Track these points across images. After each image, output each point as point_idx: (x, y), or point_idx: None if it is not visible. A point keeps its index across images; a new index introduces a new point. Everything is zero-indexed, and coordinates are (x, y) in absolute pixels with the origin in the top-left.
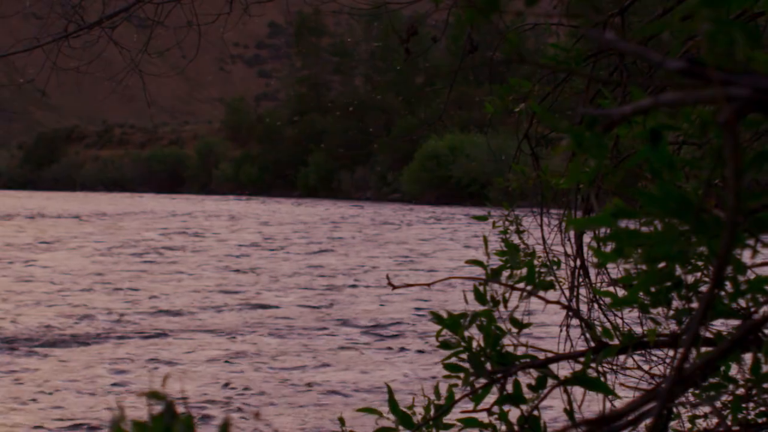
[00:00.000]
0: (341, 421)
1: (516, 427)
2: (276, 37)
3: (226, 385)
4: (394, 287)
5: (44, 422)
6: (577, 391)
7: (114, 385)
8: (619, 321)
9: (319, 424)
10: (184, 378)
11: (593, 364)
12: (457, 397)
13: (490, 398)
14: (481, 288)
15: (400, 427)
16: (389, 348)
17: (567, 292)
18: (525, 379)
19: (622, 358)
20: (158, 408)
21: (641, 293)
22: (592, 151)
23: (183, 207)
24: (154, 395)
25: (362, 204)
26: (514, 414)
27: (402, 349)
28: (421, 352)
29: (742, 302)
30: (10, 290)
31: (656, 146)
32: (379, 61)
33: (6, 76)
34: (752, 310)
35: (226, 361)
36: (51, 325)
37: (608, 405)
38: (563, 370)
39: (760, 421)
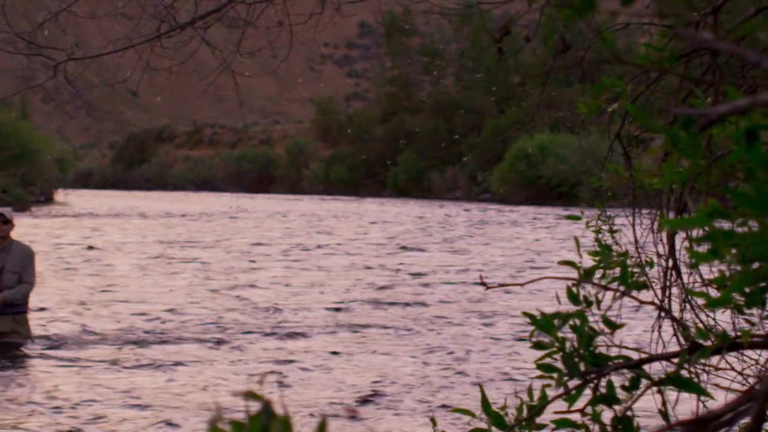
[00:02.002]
0: (433, 421)
1: (609, 428)
2: (366, 37)
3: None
4: (488, 287)
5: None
6: (671, 391)
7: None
8: (711, 321)
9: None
10: (357, 370)
11: (686, 365)
12: (550, 397)
13: (584, 399)
14: (574, 288)
15: (493, 428)
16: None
17: (659, 293)
18: (618, 379)
19: (713, 359)
20: (269, 408)
21: (735, 294)
22: (687, 151)
23: (298, 207)
24: (250, 395)
25: (456, 204)
26: (607, 415)
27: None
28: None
29: None
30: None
31: (752, 146)
32: (469, 60)
33: (97, 76)
34: None
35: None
36: (241, 320)
37: (701, 406)
38: (656, 370)
39: None
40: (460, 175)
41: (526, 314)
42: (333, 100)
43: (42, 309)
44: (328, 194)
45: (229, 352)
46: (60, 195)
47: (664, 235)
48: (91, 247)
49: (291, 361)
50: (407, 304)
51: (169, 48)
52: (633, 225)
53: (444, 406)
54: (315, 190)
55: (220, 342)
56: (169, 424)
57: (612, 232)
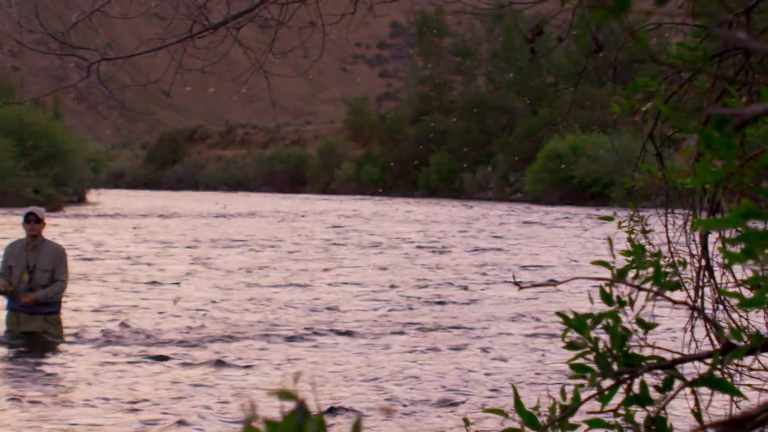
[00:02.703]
0: (465, 421)
1: (642, 429)
2: (398, 37)
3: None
4: (521, 287)
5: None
6: (704, 392)
7: (333, 369)
8: (744, 322)
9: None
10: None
11: (719, 366)
12: (583, 398)
13: (617, 399)
14: (607, 288)
15: (526, 428)
16: None
17: (692, 293)
18: (652, 380)
19: (747, 359)
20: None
21: None
22: (721, 151)
23: (335, 207)
24: (284, 394)
25: (488, 204)
26: (640, 415)
27: None
28: None
29: None
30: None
31: None
32: (501, 60)
33: (129, 76)
34: None
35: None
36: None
37: (734, 407)
38: (689, 371)
39: None
40: (492, 175)
41: (559, 314)
42: (365, 100)
43: (78, 309)
44: (359, 194)
45: (266, 352)
46: (92, 195)
47: (697, 235)
48: (127, 249)
49: (326, 360)
50: (442, 303)
51: (202, 48)
52: (666, 225)
53: (477, 406)
54: (346, 190)
55: (261, 340)
56: (205, 422)
57: (645, 232)
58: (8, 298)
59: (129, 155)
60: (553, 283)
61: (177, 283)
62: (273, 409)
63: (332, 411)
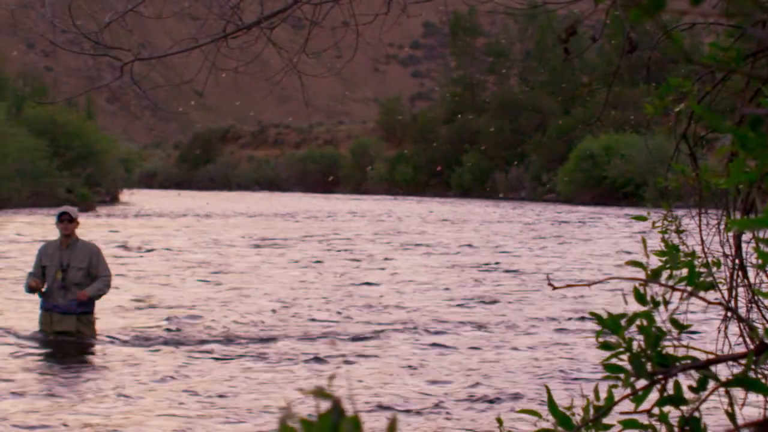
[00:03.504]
0: (499, 421)
1: (676, 430)
2: (431, 37)
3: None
4: (554, 287)
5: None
6: (738, 393)
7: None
8: None
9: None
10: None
11: (753, 366)
12: (617, 398)
13: (651, 400)
14: (641, 289)
15: (560, 429)
16: None
17: (726, 293)
18: (686, 380)
19: None
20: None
21: None
22: (755, 151)
23: (371, 207)
24: (320, 393)
25: (521, 204)
26: (674, 416)
27: None
28: None
29: None
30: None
31: None
32: (534, 60)
33: (162, 76)
34: None
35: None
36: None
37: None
38: (723, 371)
39: None
40: (525, 175)
41: (593, 314)
42: (397, 100)
43: (116, 308)
44: (391, 194)
45: (300, 351)
46: (125, 195)
47: (730, 235)
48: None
49: (363, 359)
50: (475, 303)
51: (235, 48)
52: (699, 225)
53: (511, 406)
54: (379, 190)
55: (299, 339)
56: (248, 422)
57: (678, 232)
58: (40, 295)
59: (161, 155)
60: (586, 283)
61: (219, 283)
62: (315, 406)
63: (368, 410)
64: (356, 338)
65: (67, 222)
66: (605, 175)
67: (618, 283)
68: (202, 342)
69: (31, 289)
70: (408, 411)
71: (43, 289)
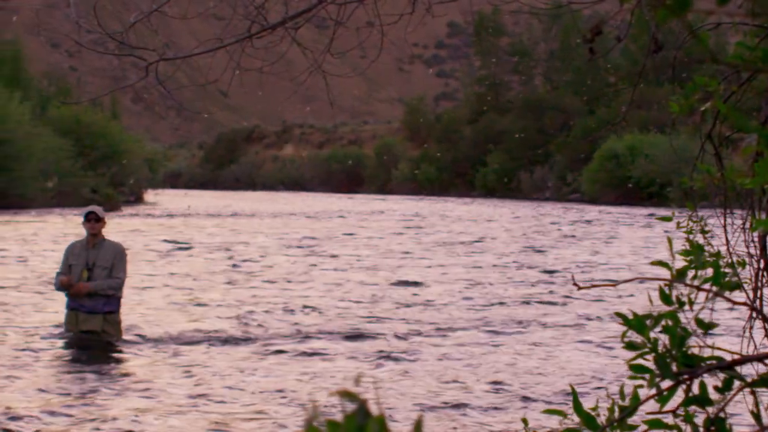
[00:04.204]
0: (524, 421)
1: (702, 430)
2: (455, 37)
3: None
4: (579, 287)
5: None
6: (764, 393)
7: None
8: None
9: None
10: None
11: None
12: (642, 398)
13: (676, 400)
14: (666, 289)
15: (585, 429)
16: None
17: (750, 294)
18: (711, 380)
19: None
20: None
21: None
22: None
23: (403, 206)
24: (346, 394)
25: (546, 204)
26: (700, 416)
27: None
28: None
29: None
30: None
31: None
32: (558, 60)
33: (186, 76)
34: None
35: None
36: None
37: None
38: (749, 371)
39: None
40: (549, 175)
41: (618, 315)
42: (422, 100)
43: (145, 309)
44: (416, 194)
45: (329, 349)
46: (150, 195)
47: (755, 235)
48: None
49: (390, 359)
50: (500, 303)
51: (260, 48)
52: (724, 225)
53: (536, 406)
54: (403, 189)
55: (336, 339)
56: (280, 422)
57: (703, 232)
58: (67, 294)
59: (186, 155)
60: (612, 283)
61: (253, 284)
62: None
63: (394, 410)
64: (384, 338)
65: (94, 221)
66: (629, 175)
67: (643, 283)
68: (234, 340)
69: (62, 287)
70: (433, 411)
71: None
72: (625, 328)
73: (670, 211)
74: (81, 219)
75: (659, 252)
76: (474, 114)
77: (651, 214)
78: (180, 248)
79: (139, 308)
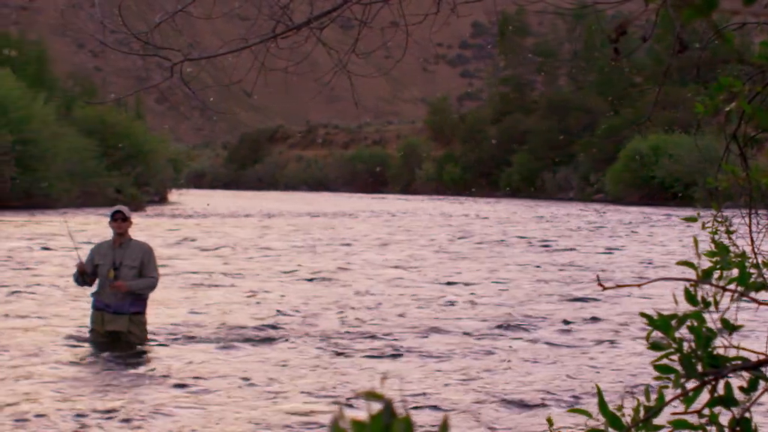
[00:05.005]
0: (549, 421)
1: (727, 430)
2: (479, 36)
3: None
4: (604, 288)
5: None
6: None
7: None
8: None
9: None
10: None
11: None
12: (667, 398)
13: (701, 400)
14: (692, 289)
15: (610, 429)
16: None
17: None
18: (736, 381)
19: None
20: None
21: None
22: None
23: (449, 208)
24: (371, 394)
25: (570, 204)
26: (725, 417)
27: None
28: None
29: None
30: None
31: None
32: (583, 60)
33: (211, 76)
34: None
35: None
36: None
37: None
38: None
39: None
40: (573, 175)
41: (643, 315)
42: (446, 100)
43: (175, 309)
44: (440, 194)
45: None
46: (174, 195)
47: None
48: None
49: (416, 357)
50: (522, 303)
51: (285, 48)
52: (749, 226)
53: (561, 406)
54: (427, 190)
55: (363, 339)
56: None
57: (728, 233)
58: (92, 294)
59: (210, 155)
60: (636, 283)
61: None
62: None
63: (420, 410)
64: (409, 336)
65: (120, 221)
66: (653, 175)
67: (668, 283)
68: (265, 340)
69: (79, 277)
70: (458, 411)
71: (94, 287)
72: (650, 329)
73: (695, 211)
74: (107, 219)
75: (683, 252)
76: (498, 114)
77: (673, 215)
78: (202, 248)
79: (164, 308)
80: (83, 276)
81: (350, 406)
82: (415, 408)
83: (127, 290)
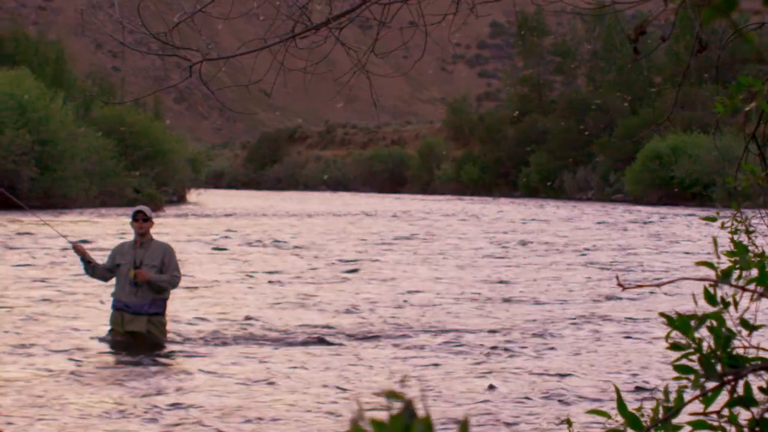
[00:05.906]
0: (568, 422)
1: (746, 431)
2: (498, 37)
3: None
4: (624, 288)
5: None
6: None
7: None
8: None
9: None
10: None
11: None
12: (686, 399)
13: (720, 401)
14: (711, 289)
15: (629, 429)
16: None
17: None
18: (756, 381)
19: None
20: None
21: None
22: None
23: (483, 209)
24: (392, 395)
25: (589, 204)
26: (744, 417)
27: None
28: None
29: None
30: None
31: None
32: (601, 60)
33: (229, 76)
34: None
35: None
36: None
37: None
38: None
39: None
40: (592, 175)
41: (663, 315)
42: (464, 100)
43: (194, 310)
44: (459, 194)
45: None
46: (193, 195)
47: None
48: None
49: (436, 358)
50: (538, 303)
51: (303, 48)
52: None
53: (580, 407)
54: (446, 190)
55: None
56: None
57: (748, 232)
58: (112, 294)
59: (229, 155)
60: (656, 283)
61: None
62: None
63: (440, 410)
64: (430, 336)
65: (142, 221)
66: (672, 176)
67: (687, 283)
68: (286, 340)
69: (86, 264)
70: (477, 411)
71: (112, 285)
72: (670, 329)
73: (714, 211)
74: (126, 218)
75: (703, 252)
76: (517, 114)
77: (693, 214)
78: (219, 249)
79: (183, 308)
80: (88, 262)
81: (370, 406)
82: (434, 406)
83: (148, 279)
